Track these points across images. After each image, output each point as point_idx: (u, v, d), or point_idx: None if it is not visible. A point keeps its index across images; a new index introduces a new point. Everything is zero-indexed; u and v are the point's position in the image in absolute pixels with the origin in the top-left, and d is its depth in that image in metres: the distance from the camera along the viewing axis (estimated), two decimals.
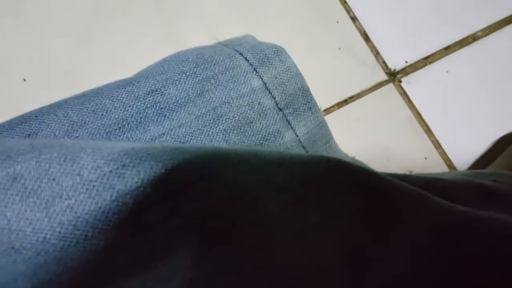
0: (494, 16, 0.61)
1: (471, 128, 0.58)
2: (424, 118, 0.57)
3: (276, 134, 0.33)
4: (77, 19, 0.54)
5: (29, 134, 0.27)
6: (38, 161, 0.21)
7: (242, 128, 0.32)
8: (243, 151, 0.25)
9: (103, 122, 0.29)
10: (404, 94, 0.57)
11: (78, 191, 0.21)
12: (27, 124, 0.27)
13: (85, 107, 0.29)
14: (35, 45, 0.52)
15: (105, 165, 0.21)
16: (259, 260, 0.22)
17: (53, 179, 0.21)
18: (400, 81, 0.58)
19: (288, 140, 0.33)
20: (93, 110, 0.29)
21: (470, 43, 0.60)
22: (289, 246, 0.23)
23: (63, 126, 0.28)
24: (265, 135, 0.33)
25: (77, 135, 0.28)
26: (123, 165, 0.22)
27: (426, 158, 0.57)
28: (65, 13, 0.54)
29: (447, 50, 0.59)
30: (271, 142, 0.33)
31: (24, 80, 0.51)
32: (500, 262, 0.23)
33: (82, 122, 0.28)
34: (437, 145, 0.57)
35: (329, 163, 0.25)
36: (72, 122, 0.28)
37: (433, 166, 0.56)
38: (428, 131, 0.57)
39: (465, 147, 0.57)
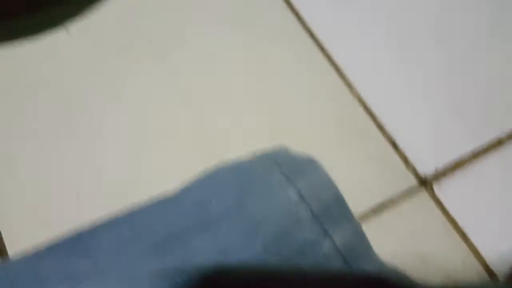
0: None
1: (506, 231, 0.56)
2: (459, 223, 0.57)
3: (314, 243, 0.33)
4: (126, 137, 0.57)
5: (84, 253, 0.28)
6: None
7: (281, 238, 0.32)
8: (283, 268, 0.26)
9: (150, 239, 0.30)
10: (436, 201, 0.58)
11: None
12: (82, 243, 0.29)
13: (135, 225, 0.30)
14: (88, 161, 0.55)
15: None
16: None
17: None
18: (432, 188, 0.58)
19: (326, 249, 0.33)
20: (142, 227, 0.30)
21: (497, 147, 0.61)
22: None
23: (115, 243, 0.29)
24: (303, 245, 0.33)
25: (128, 251, 0.29)
26: None
27: (463, 263, 0.55)
28: (115, 131, 0.57)
29: (475, 155, 0.60)
30: (309, 251, 0.33)
31: (78, 196, 0.53)
32: None
33: (133, 239, 0.29)
34: (474, 250, 0.56)
35: (369, 278, 0.26)
36: (123, 240, 0.29)
37: (471, 271, 0.55)
38: (463, 236, 0.56)
39: (502, 252, 0.55)
